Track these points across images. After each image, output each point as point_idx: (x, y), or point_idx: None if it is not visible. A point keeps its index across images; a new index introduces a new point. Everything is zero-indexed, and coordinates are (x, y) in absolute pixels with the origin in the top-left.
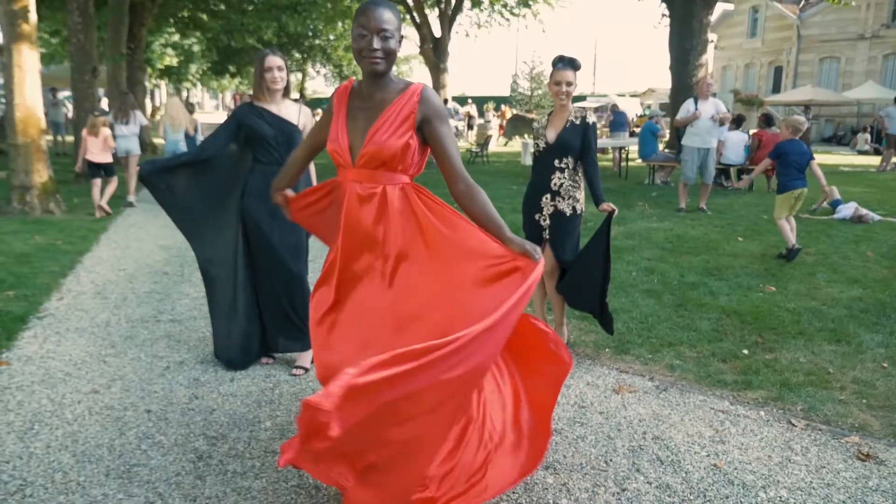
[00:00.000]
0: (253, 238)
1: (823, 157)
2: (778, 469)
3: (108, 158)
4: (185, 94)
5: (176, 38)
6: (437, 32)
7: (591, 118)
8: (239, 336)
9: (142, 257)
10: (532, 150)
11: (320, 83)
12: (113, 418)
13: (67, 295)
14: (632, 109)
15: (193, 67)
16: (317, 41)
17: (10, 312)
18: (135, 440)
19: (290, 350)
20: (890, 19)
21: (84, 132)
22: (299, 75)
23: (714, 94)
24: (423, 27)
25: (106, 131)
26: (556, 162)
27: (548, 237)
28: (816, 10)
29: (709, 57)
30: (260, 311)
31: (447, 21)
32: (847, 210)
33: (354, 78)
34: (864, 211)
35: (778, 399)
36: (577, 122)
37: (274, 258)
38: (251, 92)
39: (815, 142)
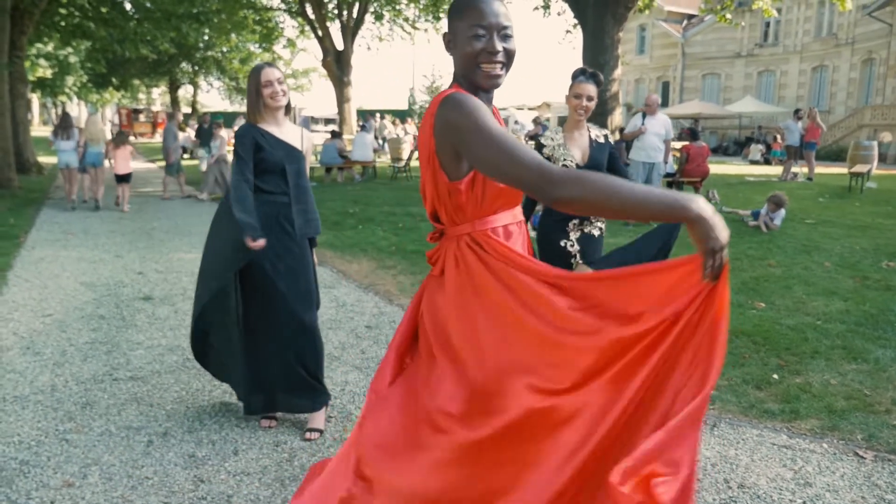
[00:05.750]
0: (254, 280)
1: (723, 168)
2: None
3: (129, 169)
4: (59, 107)
5: (49, 47)
6: (340, 45)
7: (609, 137)
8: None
9: (66, 299)
10: None
11: (214, 97)
12: None
13: None
14: (528, 123)
15: (70, 80)
16: (209, 52)
17: None
18: None
19: (299, 410)
20: (762, 39)
21: (110, 147)
22: (191, 88)
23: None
24: (325, 40)
25: (130, 147)
26: None
27: (581, 261)
28: (698, 29)
29: (619, 72)
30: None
31: (349, 34)
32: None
33: (458, 86)
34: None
35: (834, 429)
36: (602, 140)
37: (280, 307)
38: (136, 107)
39: None
